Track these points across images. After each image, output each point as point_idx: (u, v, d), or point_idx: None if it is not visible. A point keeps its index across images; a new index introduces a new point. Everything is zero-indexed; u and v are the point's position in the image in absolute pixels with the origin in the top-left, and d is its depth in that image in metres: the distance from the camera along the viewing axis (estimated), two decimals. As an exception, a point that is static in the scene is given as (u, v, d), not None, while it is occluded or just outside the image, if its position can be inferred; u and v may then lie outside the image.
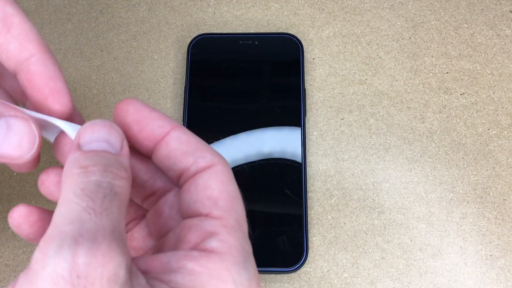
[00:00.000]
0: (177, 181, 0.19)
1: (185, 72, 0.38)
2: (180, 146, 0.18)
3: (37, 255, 0.14)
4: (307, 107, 0.38)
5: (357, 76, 0.39)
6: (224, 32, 0.39)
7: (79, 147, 0.17)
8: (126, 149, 0.18)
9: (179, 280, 0.15)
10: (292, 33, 0.39)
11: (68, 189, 0.16)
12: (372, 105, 0.38)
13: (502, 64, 0.39)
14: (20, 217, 0.19)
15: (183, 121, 0.36)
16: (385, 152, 0.37)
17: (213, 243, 0.16)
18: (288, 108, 0.36)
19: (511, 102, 0.38)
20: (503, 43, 0.40)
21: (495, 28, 0.40)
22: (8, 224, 0.35)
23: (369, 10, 0.41)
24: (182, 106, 0.37)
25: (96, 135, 0.17)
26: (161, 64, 0.40)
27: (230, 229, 0.16)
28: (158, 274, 0.16)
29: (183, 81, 0.39)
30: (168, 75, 0.39)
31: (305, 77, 0.38)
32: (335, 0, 0.41)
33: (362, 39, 0.40)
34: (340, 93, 0.38)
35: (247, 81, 0.37)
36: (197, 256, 0.16)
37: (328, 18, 0.40)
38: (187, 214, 0.18)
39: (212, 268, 0.15)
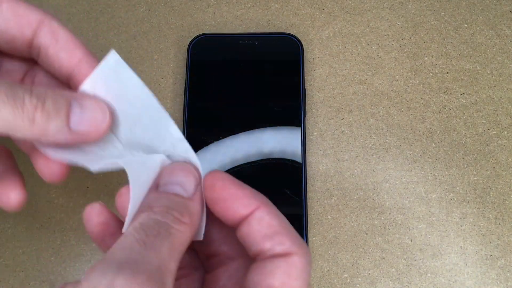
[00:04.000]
0: (254, 258, 0.18)
1: (185, 72, 0.38)
2: (261, 228, 0.18)
3: (88, 270, 0.15)
4: (307, 107, 0.38)
5: (357, 76, 0.39)
6: (224, 32, 0.39)
7: (156, 187, 0.19)
8: (198, 194, 0.19)
9: None
10: (292, 33, 0.39)
11: (133, 223, 0.17)
12: (372, 105, 0.38)
13: (502, 64, 0.39)
14: (91, 213, 0.21)
15: (183, 121, 0.36)
16: (385, 152, 0.37)
17: None
18: (288, 108, 0.36)
19: (511, 102, 0.38)
20: (503, 43, 0.40)
21: (495, 28, 0.40)
22: (8, 224, 0.35)
23: (369, 10, 0.40)
24: (182, 106, 0.37)
25: (173, 179, 0.19)
26: (161, 64, 0.40)
27: None
28: None
29: (183, 81, 0.39)
30: (168, 75, 0.39)
31: (305, 77, 0.38)
32: (335, 0, 0.41)
33: (362, 39, 0.40)
34: (340, 93, 0.38)
35: (247, 81, 0.37)
36: None
37: (328, 18, 0.40)
38: None
39: None
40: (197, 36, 0.38)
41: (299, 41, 0.38)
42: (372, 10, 0.41)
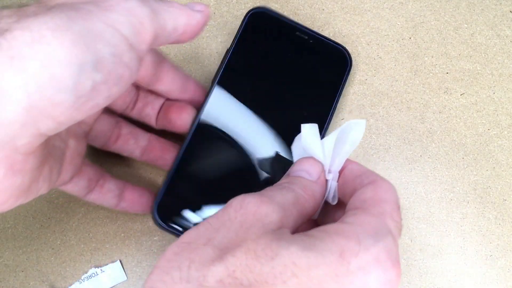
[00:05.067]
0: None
1: (234, 35, 0.36)
2: (351, 173, 0.23)
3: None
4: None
5: (357, 76, 0.39)
6: (286, 16, 0.37)
7: (288, 174, 0.23)
8: (322, 179, 0.23)
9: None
10: (347, 47, 0.37)
11: None
12: (372, 105, 0.38)
13: (502, 64, 0.39)
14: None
15: (214, 79, 0.34)
16: (385, 152, 0.37)
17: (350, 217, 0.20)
18: (315, 114, 0.35)
19: (511, 102, 0.38)
20: (503, 43, 0.40)
21: (495, 28, 0.40)
22: (8, 224, 0.35)
23: (369, 10, 0.40)
24: (218, 65, 0.35)
25: (301, 167, 0.23)
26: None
27: (368, 214, 0.20)
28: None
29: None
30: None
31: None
32: (335, 0, 0.41)
33: (362, 39, 0.40)
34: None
35: (287, 72, 0.35)
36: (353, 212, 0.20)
37: (328, 18, 0.40)
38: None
39: (360, 221, 0.20)
40: (258, 8, 0.36)
41: (349, 56, 0.36)
42: (372, 10, 0.40)
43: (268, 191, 0.20)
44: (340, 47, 0.36)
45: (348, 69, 0.36)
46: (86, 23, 0.19)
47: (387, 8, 0.41)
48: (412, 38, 0.40)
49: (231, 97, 0.34)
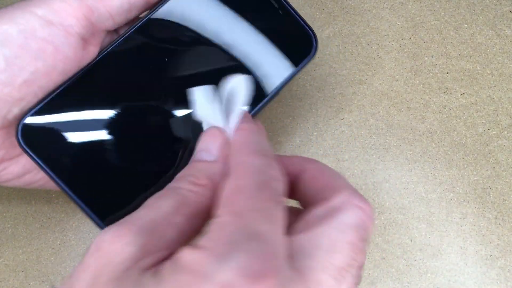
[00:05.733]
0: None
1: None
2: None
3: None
4: (309, 106, 0.38)
5: (357, 76, 0.39)
6: None
7: (191, 160, 0.21)
8: (223, 154, 0.20)
9: None
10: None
11: None
12: (372, 105, 0.38)
13: (502, 64, 0.39)
14: None
15: None
16: (385, 152, 0.37)
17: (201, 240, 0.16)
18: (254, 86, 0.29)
19: (511, 102, 0.38)
20: (503, 43, 0.40)
21: (495, 28, 0.40)
22: (8, 224, 0.35)
23: (369, 10, 0.40)
24: None
25: (201, 145, 0.20)
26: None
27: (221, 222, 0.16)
28: None
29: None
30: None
31: (305, 77, 0.38)
32: (335, 0, 0.41)
33: (362, 39, 0.40)
34: (340, 93, 0.38)
35: (240, 34, 0.29)
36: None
37: (328, 18, 0.40)
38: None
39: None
40: None
41: (316, 44, 0.31)
42: (372, 10, 0.41)
43: (139, 209, 0.17)
44: (309, 31, 0.31)
45: (309, 56, 0.31)
46: (3, 13, 0.21)
47: (387, 8, 0.41)
48: (412, 38, 0.40)
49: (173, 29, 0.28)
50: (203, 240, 0.15)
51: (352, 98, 0.38)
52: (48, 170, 0.24)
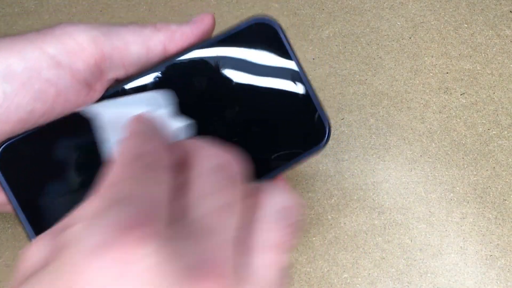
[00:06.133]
0: None
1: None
2: None
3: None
4: None
5: (357, 76, 0.39)
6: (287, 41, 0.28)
7: None
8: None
9: None
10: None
11: None
12: (372, 105, 0.38)
13: (502, 64, 0.39)
14: None
15: None
16: (385, 152, 0.37)
17: None
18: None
19: (511, 102, 0.38)
20: (503, 43, 0.40)
21: (495, 28, 0.40)
22: (8, 224, 0.35)
23: (369, 10, 0.40)
24: None
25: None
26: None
27: None
28: None
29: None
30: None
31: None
32: (335, 0, 0.41)
33: (362, 39, 0.40)
34: (340, 93, 0.38)
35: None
36: None
37: (328, 18, 0.40)
38: None
39: None
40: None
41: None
42: (372, 10, 0.40)
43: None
44: (325, 122, 0.27)
45: (316, 147, 0.27)
46: (13, 44, 0.21)
47: (387, 8, 0.41)
48: (412, 38, 0.40)
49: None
50: (71, 218, 0.15)
51: (352, 98, 0.38)
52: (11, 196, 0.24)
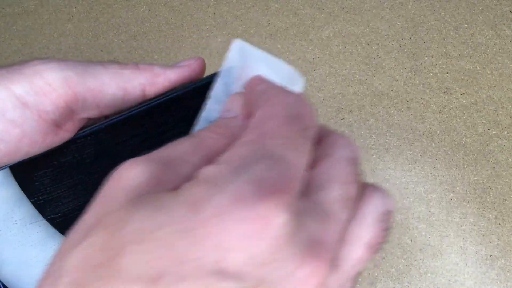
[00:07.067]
0: None
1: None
2: None
3: None
4: None
5: (357, 76, 0.39)
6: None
7: None
8: (243, 115, 0.20)
9: None
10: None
11: None
12: (372, 105, 0.38)
13: (502, 64, 0.39)
14: None
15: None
16: (385, 152, 0.37)
17: None
18: None
19: (511, 102, 0.38)
20: (503, 43, 0.40)
21: (495, 28, 0.40)
22: (8, 224, 0.35)
23: (369, 10, 0.40)
24: None
25: (224, 108, 0.19)
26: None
27: None
28: None
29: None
30: (168, 75, 0.39)
31: (305, 78, 0.38)
32: (335, 0, 0.41)
33: (362, 39, 0.40)
34: (340, 93, 0.38)
35: None
36: None
37: (328, 18, 0.40)
38: None
39: None
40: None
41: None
42: (372, 10, 0.41)
43: (158, 149, 0.18)
44: None
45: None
46: None
47: (387, 8, 0.41)
48: (412, 38, 0.40)
49: None
50: (224, 156, 0.15)
51: (352, 98, 0.38)
52: None
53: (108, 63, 0.21)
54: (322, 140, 0.17)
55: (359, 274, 0.17)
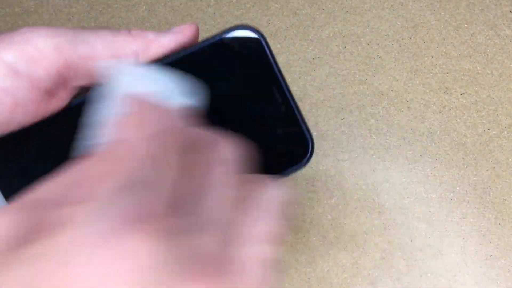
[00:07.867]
0: None
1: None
2: None
3: None
4: (308, 107, 0.38)
5: (357, 76, 0.39)
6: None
7: None
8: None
9: None
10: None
11: None
12: (372, 105, 0.38)
13: (502, 64, 0.39)
14: None
15: None
16: (385, 152, 0.37)
17: None
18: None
19: (511, 102, 0.38)
20: (503, 43, 0.40)
21: (495, 28, 0.40)
22: (8, 224, 0.35)
23: (369, 10, 0.40)
24: None
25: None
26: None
27: None
28: None
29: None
30: (168, 75, 0.39)
31: (305, 77, 0.38)
32: (335, 0, 0.41)
33: (362, 39, 0.40)
34: (340, 93, 0.38)
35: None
36: None
37: (328, 18, 0.40)
38: None
39: None
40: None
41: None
42: (372, 10, 0.40)
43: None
44: (308, 138, 0.26)
45: (298, 165, 0.26)
46: None
47: (387, 8, 0.41)
48: (412, 38, 0.40)
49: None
50: (86, 194, 0.14)
51: (352, 98, 0.38)
52: None
53: (100, 30, 0.21)
54: (197, 141, 0.16)
55: (272, 266, 0.16)
